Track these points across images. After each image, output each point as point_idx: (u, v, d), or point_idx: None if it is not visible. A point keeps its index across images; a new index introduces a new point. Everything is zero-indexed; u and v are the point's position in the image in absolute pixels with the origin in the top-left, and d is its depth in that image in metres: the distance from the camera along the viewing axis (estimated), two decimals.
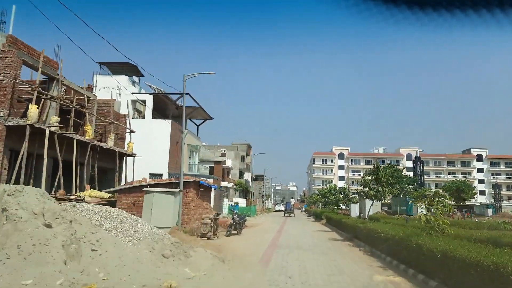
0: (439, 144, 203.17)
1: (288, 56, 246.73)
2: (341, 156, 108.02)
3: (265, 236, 18.18)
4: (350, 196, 35.73)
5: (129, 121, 23.64)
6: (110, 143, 20.77)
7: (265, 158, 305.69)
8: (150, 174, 24.79)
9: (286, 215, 50.54)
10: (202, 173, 35.45)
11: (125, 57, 35.39)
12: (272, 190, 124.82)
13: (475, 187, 43.77)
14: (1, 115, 14.05)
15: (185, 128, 31.80)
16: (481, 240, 9.96)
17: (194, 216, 15.86)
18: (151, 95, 29.06)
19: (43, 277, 4.73)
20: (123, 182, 21.68)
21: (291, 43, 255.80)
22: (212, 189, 19.82)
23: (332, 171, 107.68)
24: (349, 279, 8.16)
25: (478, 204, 76.58)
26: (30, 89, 15.60)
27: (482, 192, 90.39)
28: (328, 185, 47.39)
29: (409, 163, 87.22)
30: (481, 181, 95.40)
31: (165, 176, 25.02)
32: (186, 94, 28.95)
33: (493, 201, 77.68)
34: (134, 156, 22.99)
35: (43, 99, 17.02)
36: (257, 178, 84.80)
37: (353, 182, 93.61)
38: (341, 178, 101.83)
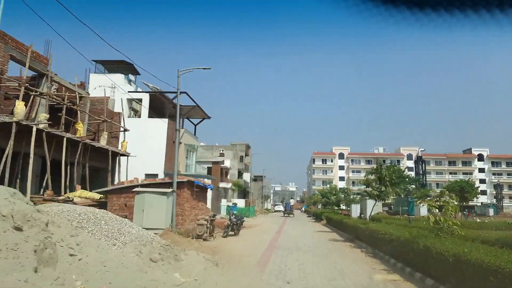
0: (439, 144, 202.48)
1: (288, 56, 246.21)
2: (341, 156, 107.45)
3: (264, 237, 17.58)
4: (352, 197, 35.13)
5: (123, 119, 23.00)
6: (102, 142, 20.16)
7: (265, 158, 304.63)
8: (146, 174, 24.17)
9: (285, 215, 50.01)
10: (199, 173, 34.82)
11: (122, 54, 34.55)
12: (272, 191, 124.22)
13: (478, 187, 43.17)
14: None
15: (182, 127, 31.22)
16: (489, 241, 9.40)
17: (189, 217, 15.26)
18: (147, 94, 28.41)
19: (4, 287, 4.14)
20: (116, 182, 21.06)
21: (291, 43, 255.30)
22: (208, 190, 19.20)
23: (332, 171, 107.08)
24: (352, 283, 7.58)
25: (480, 204, 76.10)
26: (17, 85, 15.00)
27: (483, 192, 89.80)
28: (328, 185, 46.80)
29: (410, 163, 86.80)
30: (482, 181, 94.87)
31: (161, 176, 24.40)
32: (184, 92, 28.59)
33: (494, 201, 77.26)
34: (128, 156, 22.38)
35: (32, 96, 16.44)
36: (256, 178, 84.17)
37: (353, 182, 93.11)
38: (341, 178, 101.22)
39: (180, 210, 14.74)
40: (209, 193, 30.72)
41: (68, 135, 16.73)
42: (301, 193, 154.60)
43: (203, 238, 14.28)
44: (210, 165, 47.44)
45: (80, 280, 5.49)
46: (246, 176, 68.78)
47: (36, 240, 5.32)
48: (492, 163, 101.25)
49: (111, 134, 22.87)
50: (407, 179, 41.58)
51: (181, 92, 28.27)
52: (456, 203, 11.82)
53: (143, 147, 24.34)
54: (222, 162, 51.86)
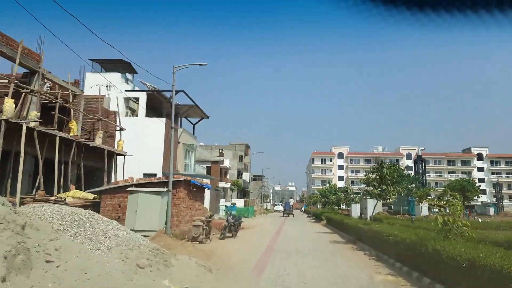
0: (439, 143, 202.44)
1: (288, 56, 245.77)
2: (340, 155, 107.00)
3: (262, 239, 17.07)
4: (352, 196, 34.62)
5: (119, 118, 22.47)
6: (98, 141, 19.63)
7: (264, 158, 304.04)
8: (144, 174, 23.68)
9: (285, 215, 49.58)
10: (198, 173, 34.29)
11: (119, 52, 34.16)
12: (271, 191, 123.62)
13: (479, 186, 42.70)
14: None
15: (180, 127, 30.74)
16: (497, 242, 8.90)
17: (185, 218, 14.74)
18: (145, 93, 27.90)
19: None
20: (113, 182, 20.53)
21: (291, 43, 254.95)
22: (206, 189, 18.67)
23: (331, 171, 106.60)
24: None
25: (479, 203, 75.60)
26: (7, 82, 14.48)
27: (482, 191, 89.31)
28: (328, 185, 46.28)
29: (409, 163, 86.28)
30: (481, 180, 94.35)
31: (160, 176, 23.90)
32: (181, 91, 28.14)
33: (494, 200, 76.71)
34: (124, 155, 21.86)
35: (23, 94, 15.92)
36: (255, 178, 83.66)
37: (352, 182, 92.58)
38: (340, 178, 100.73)
39: (176, 210, 14.21)
40: (208, 193, 30.18)
41: (61, 133, 16.20)
42: (300, 193, 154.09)
43: (199, 240, 13.76)
44: (210, 165, 46.97)
45: None
46: (246, 176, 68.27)
47: (7, 245, 4.80)
48: (492, 162, 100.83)
49: (107, 133, 22.35)
50: (407, 178, 41.18)
51: (179, 91, 27.92)
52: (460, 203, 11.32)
53: (141, 146, 23.86)
54: (222, 162, 51.37)
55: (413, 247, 8.19)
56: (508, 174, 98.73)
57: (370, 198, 20.18)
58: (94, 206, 15.11)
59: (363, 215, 27.53)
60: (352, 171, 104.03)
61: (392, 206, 42.45)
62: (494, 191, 77.01)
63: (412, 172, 51.57)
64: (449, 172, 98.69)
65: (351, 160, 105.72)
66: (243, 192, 62.79)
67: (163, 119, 26.79)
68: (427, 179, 71.23)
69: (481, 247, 6.42)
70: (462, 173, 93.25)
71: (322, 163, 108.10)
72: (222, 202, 42.31)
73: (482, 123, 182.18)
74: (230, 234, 16.97)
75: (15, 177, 14.24)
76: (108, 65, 29.38)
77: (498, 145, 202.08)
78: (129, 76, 30.88)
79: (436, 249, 6.97)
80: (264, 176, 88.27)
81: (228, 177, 55.81)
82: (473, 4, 1.94)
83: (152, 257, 6.63)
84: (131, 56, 36.48)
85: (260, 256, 11.41)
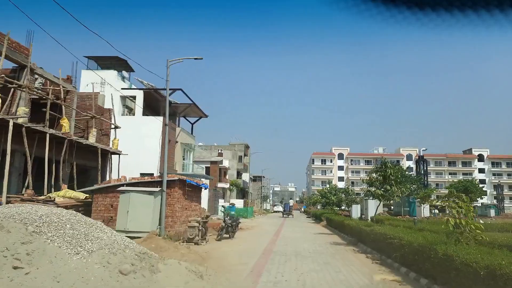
0: (439, 144, 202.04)
1: (288, 56, 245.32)
2: (340, 156, 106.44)
3: (260, 240, 16.48)
4: (354, 197, 34.04)
5: (114, 116, 21.88)
6: (91, 139, 19.04)
7: (264, 159, 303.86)
8: (141, 173, 23.12)
9: (284, 216, 49.04)
10: (197, 173, 33.71)
11: (115, 49, 33.69)
12: (271, 191, 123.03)
13: (482, 186, 42.11)
14: None
15: (178, 126, 30.15)
16: (509, 246, 8.31)
17: (180, 219, 14.15)
18: (141, 91, 27.33)
19: None
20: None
21: (291, 43, 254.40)
22: (203, 189, 18.08)
23: (331, 171, 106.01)
24: None
25: (480, 205, 74.97)
26: None
27: (483, 193, 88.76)
28: (328, 185, 45.70)
29: (409, 163, 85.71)
30: (482, 182, 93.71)
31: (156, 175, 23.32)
32: (179, 89, 27.57)
33: (495, 202, 76.09)
34: (119, 154, 21.28)
35: (12, 90, 15.34)
36: (255, 178, 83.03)
37: (352, 183, 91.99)
38: (340, 179, 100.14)
39: (170, 211, 13.62)
40: (206, 193, 29.61)
41: (51, 131, 15.61)
42: (300, 194, 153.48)
43: (194, 242, 13.19)
44: (208, 165, 46.40)
45: None
46: (245, 176, 67.70)
47: None
48: (492, 163, 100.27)
49: (102, 132, 21.76)
50: (409, 179, 40.58)
51: (176, 89, 27.37)
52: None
53: (138, 145, 23.31)
54: (221, 162, 50.81)
55: (421, 251, 7.60)
56: (509, 175, 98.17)
57: (372, 199, 19.60)
58: (86, 206, 14.54)
59: (363, 216, 26.93)
60: (352, 172, 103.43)
61: (392, 207, 41.84)
62: (495, 193, 76.42)
63: (413, 173, 50.94)
64: (450, 173, 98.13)
65: (351, 160, 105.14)
66: (242, 193, 62.21)
67: (160, 118, 26.19)
68: (428, 180, 70.66)
69: (497, 252, 5.84)
70: (463, 174, 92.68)
71: (322, 163, 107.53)
72: (221, 202, 41.74)
73: (483, 124, 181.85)
74: (228, 235, 16.41)
75: (2, 176, 13.68)
76: (104, 62, 28.80)
77: (499, 146, 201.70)
78: (125, 74, 30.31)
79: (448, 254, 6.38)
80: (263, 177, 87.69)
81: (227, 177, 55.24)
82: (473, 4, 1.93)
83: (138, 262, 6.04)
84: (128, 55, 36.32)
85: (258, 258, 10.82)
